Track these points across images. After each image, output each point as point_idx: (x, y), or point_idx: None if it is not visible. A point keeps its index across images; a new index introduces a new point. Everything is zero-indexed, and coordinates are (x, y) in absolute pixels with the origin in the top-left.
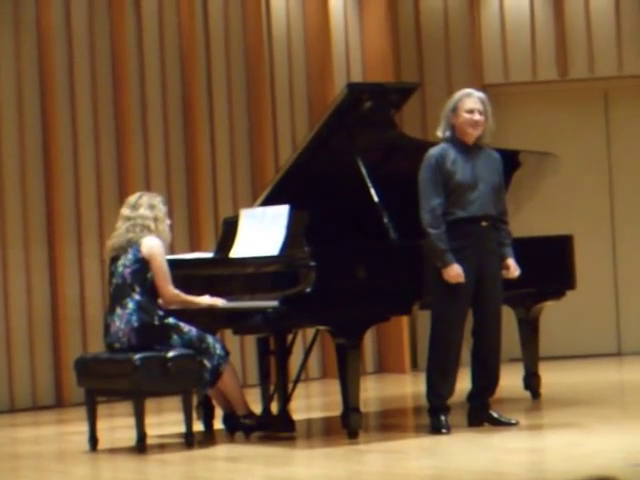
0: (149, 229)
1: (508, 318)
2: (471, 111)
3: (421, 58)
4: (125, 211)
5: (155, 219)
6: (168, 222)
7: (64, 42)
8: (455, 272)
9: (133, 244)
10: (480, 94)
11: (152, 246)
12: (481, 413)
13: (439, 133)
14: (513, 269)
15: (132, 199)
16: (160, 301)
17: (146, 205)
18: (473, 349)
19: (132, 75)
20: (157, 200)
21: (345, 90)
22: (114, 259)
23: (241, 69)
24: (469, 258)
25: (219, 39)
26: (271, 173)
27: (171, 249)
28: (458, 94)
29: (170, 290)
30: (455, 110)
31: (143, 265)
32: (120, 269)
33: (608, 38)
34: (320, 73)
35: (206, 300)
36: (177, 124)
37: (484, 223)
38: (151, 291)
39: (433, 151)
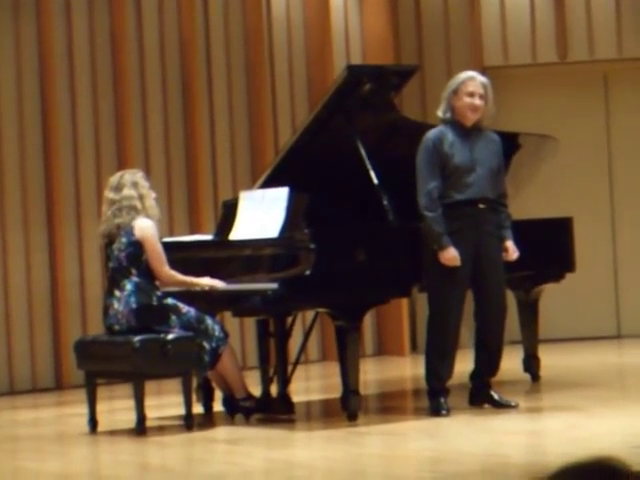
0: (136, 209)
1: (508, 301)
2: (472, 94)
3: (421, 40)
4: (109, 194)
5: (140, 197)
6: (153, 195)
7: (64, 25)
8: (451, 255)
9: (125, 227)
10: (483, 78)
11: (144, 228)
12: (482, 393)
13: (439, 113)
14: (511, 251)
15: (114, 181)
16: (158, 282)
17: (129, 184)
18: (476, 331)
19: (132, 58)
20: (138, 176)
21: (345, 72)
22: (108, 243)
23: (241, 51)
24: (466, 241)
25: (219, 22)
26: (271, 155)
27: (170, 231)
28: (461, 76)
29: (165, 271)
30: (456, 92)
31: (137, 248)
32: (115, 252)
33: (608, 21)
34: (320, 56)
35: (206, 281)
36: (177, 107)
37: (481, 205)
38: (148, 272)
39: (430, 134)
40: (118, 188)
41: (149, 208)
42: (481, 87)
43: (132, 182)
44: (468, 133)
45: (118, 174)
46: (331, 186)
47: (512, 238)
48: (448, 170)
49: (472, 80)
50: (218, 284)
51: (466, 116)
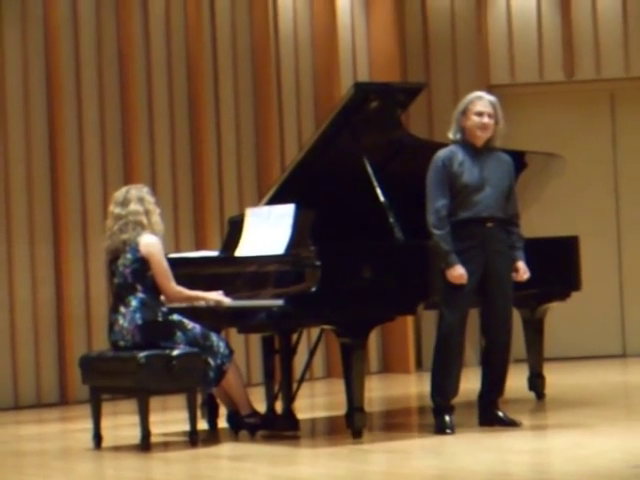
0: (142, 225)
1: (513, 319)
2: (480, 114)
3: (428, 58)
4: (115, 209)
5: (146, 212)
6: (158, 211)
7: (71, 38)
8: (458, 273)
9: (130, 243)
10: (491, 97)
11: (150, 244)
12: (489, 413)
13: (450, 135)
14: (522, 272)
15: (120, 195)
16: (163, 297)
17: (135, 199)
18: (483, 349)
19: (139, 73)
20: (144, 191)
21: (352, 90)
22: (113, 259)
23: (248, 68)
24: (474, 259)
25: (226, 38)
26: (277, 172)
27: (176, 247)
28: (469, 97)
29: (172, 287)
30: (465, 112)
31: (143, 264)
32: (120, 268)
33: (615, 39)
34: (327, 73)
35: (212, 296)
36: (183, 123)
37: (489, 224)
38: (153, 288)
39: (441, 153)
40: (124, 203)
41: (155, 224)
42: (489, 106)
43: (138, 197)
44: (479, 153)
45: (124, 189)
46: (337, 203)
47: (524, 259)
48: (456, 188)
49: (480, 100)
50: (224, 299)
51: (476, 135)
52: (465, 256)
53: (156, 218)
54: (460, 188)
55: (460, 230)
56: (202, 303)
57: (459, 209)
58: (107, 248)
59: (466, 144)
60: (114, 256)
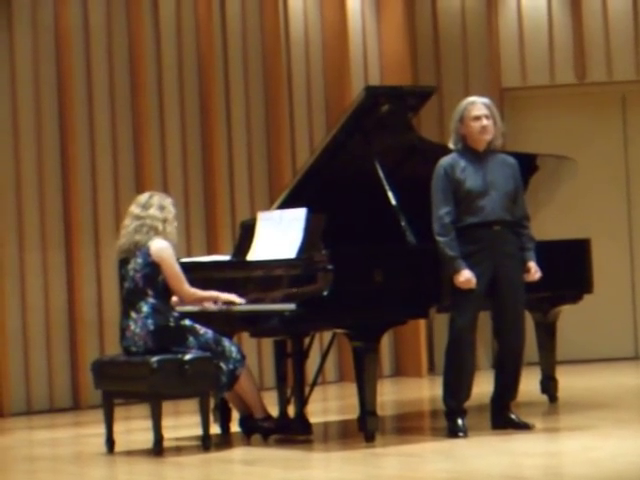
0: (156, 231)
1: (526, 322)
2: (478, 118)
3: (438, 61)
4: (135, 210)
5: (164, 220)
6: (175, 224)
7: (82, 44)
8: (464, 278)
9: (141, 247)
10: (483, 99)
11: (161, 249)
12: (502, 416)
13: (451, 145)
14: (533, 272)
15: (143, 198)
16: (174, 299)
17: (157, 205)
18: (496, 352)
19: (150, 78)
20: (167, 201)
21: (363, 93)
22: (123, 262)
23: (259, 72)
24: (482, 262)
25: (237, 41)
26: (288, 176)
27: (188, 252)
28: (462, 104)
29: (187, 289)
30: (462, 120)
31: (154, 269)
32: (131, 273)
33: (626, 41)
34: (337, 76)
35: (225, 295)
36: (195, 127)
37: (497, 227)
38: (164, 293)
39: (443, 161)
40: (146, 206)
41: (169, 233)
42: (484, 108)
43: (160, 205)
44: (481, 158)
45: (147, 194)
46: (349, 207)
47: (535, 259)
48: (461, 195)
49: (473, 105)
50: (237, 299)
51: (478, 140)
52: (473, 259)
53: (172, 229)
54: (464, 194)
55: (467, 234)
56: (212, 306)
57: (465, 215)
58: (120, 247)
59: (468, 150)
60: (124, 257)
